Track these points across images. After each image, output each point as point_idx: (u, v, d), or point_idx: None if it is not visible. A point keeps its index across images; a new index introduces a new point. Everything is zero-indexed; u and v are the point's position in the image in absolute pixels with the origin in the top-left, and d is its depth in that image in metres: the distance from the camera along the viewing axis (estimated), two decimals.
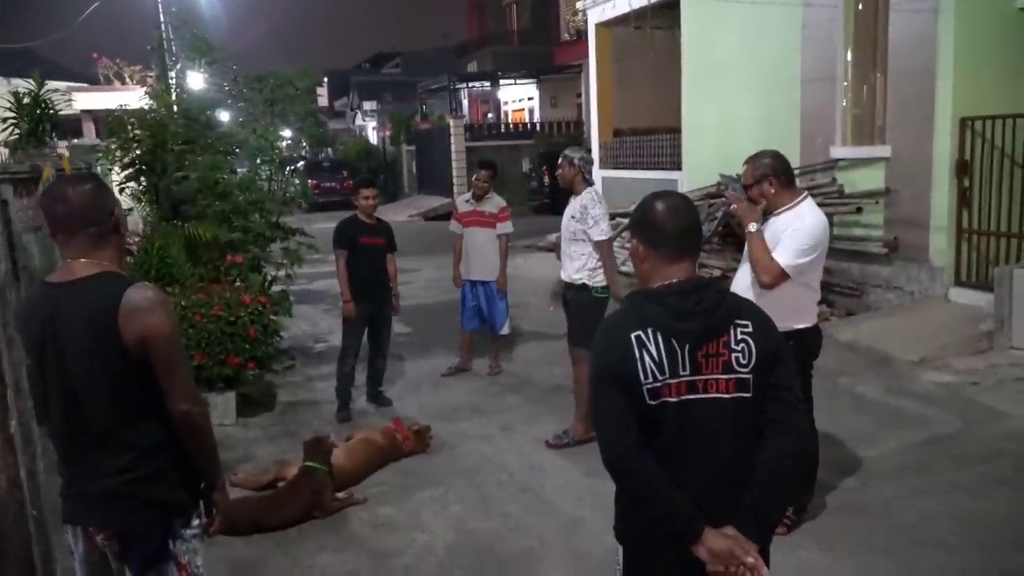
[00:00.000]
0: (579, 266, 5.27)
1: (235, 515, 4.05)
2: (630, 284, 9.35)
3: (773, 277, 3.65)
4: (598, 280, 5.26)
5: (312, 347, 8.07)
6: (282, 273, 7.80)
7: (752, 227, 3.76)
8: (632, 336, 1.96)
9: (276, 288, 7.58)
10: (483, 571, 3.84)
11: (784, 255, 3.65)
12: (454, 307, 7.44)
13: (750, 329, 2.01)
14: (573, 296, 5.35)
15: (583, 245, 5.25)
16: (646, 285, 2.10)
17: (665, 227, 2.05)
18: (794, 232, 3.67)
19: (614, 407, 1.97)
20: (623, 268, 10.48)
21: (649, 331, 1.96)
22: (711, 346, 1.97)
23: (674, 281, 2.03)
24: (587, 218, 5.22)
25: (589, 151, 5.54)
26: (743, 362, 1.98)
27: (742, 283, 3.80)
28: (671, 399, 1.95)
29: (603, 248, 5.21)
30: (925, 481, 4.55)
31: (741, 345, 1.99)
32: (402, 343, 7.79)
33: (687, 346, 1.96)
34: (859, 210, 8.23)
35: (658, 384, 1.95)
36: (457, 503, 4.54)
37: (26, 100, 6.59)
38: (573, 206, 5.34)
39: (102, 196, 2.32)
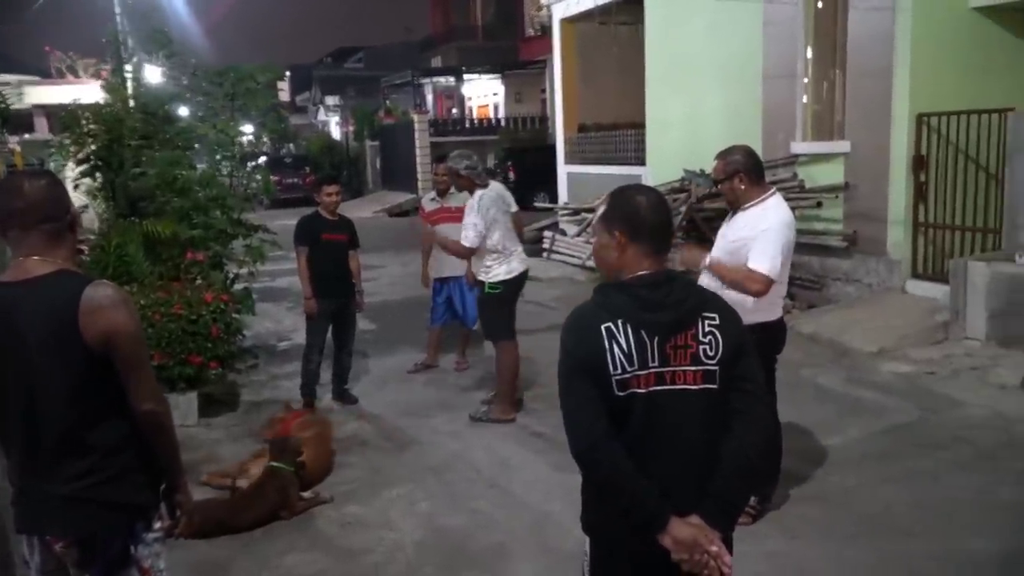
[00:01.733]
0: (478, 263, 5.60)
1: (200, 517, 4.00)
2: (595, 279, 9.41)
3: (763, 285, 3.64)
4: (490, 276, 5.52)
5: (276, 345, 7.99)
6: (244, 271, 7.69)
7: (705, 262, 3.76)
8: (602, 327, 1.97)
9: (238, 286, 7.48)
10: (453, 567, 3.83)
11: (763, 261, 3.65)
12: (419, 304, 7.41)
13: (717, 322, 2.04)
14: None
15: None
16: (615, 277, 2.10)
17: (649, 219, 2.08)
18: (764, 235, 3.69)
19: (584, 398, 1.98)
20: (589, 263, 10.55)
21: (619, 322, 1.98)
22: (679, 338, 2.00)
23: (644, 273, 2.05)
24: (464, 221, 5.46)
25: (471, 156, 5.65)
26: (710, 354, 2.01)
27: (708, 279, 3.83)
28: (640, 390, 1.97)
29: (461, 246, 5.44)
30: (886, 469, 4.64)
31: (708, 337, 2.01)
32: (367, 340, 7.73)
33: (656, 338, 1.98)
34: (819, 204, 8.36)
35: (627, 375, 1.96)
36: (426, 500, 4.53)
37: None
38: None
39: (60, 192, 2.27)
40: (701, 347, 2.00)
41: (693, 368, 2.00)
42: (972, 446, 4.90)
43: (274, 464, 4.44)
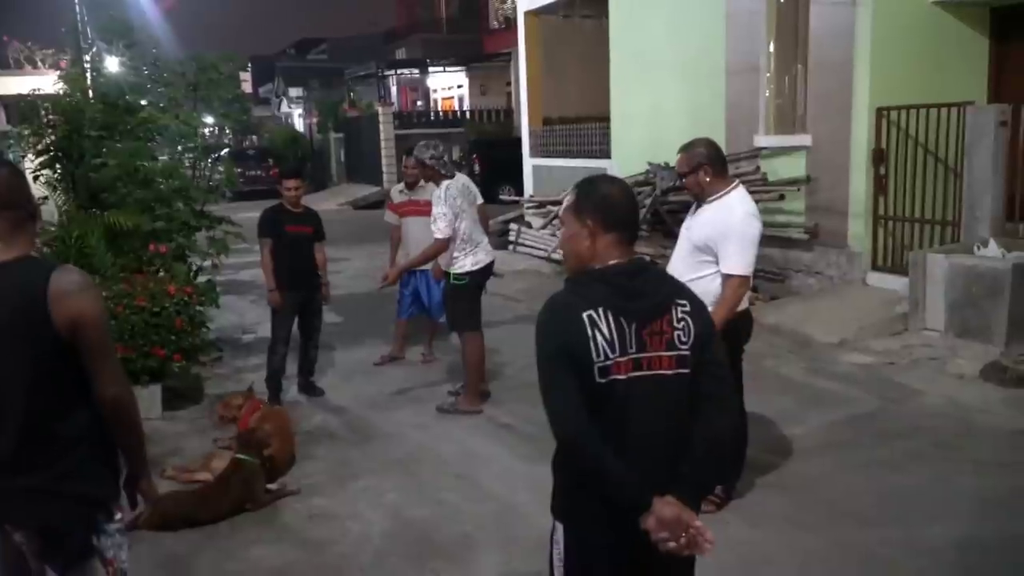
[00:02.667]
0: (445, 254, 5.57)
1: (165, 510, 3.95)
2: (561, 271, 9.41)
3: (744, 286, 3.80)
4: (456, 267, 5.52)
5: (240, 338, 7.90)
6: (208, 263, 7.59)
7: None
8: (584, 315, 2.00)
9: (202, 278, 7.39)
10: (419, 558, 3.83)
11: (736, 267, 3.74)
12: (385, 296, 7.37)
13: (688, 308, 2.09)
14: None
15: None
16: (585, 267, 2.12)
17: (620, 208, 2.13)
18: (730, 238, 3.75)
19: (567, 386, 2.00)
20: (555, 256, 10.57)
21: (600, 310, 2.01)
22: (656, 324, 2.05)
23: (618, 262, 2.09)
24: (433, 212, 5.43)
25: (437, 146, 5.63)
26: (684, 340, 2.06)
27: (676, 271, 3.87)
28: (619, 376, 2.01)
29: (434, 244, 5.43)
30: (846, 458, 4.72)
31: (682, 323, 2.07)
32: (333, 333, 7.67)
33: (634, 324, 2.02)
34: (782, 197, 8.47)
35: (608, 362, 2.00)
36: (393, 492, 4.52)
37: None
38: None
39: (21, 182, 2.25)
40: (676, 333, 2.06)
41: (668, 353, 2.05)
42: (931, 435, 5.00)
43: (240, 456, 4.40)
